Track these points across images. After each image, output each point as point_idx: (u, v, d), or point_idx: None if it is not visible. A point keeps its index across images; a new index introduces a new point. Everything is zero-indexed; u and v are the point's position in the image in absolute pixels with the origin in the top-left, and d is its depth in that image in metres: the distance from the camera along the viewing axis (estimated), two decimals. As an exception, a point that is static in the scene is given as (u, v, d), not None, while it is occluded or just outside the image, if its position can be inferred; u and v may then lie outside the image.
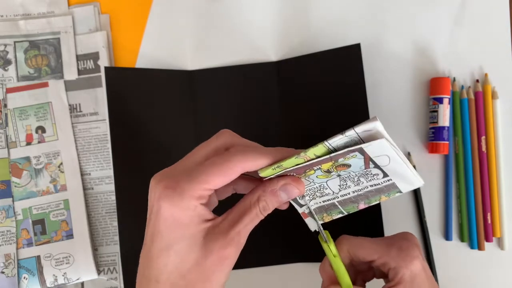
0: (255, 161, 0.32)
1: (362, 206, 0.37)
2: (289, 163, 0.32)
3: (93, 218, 0.52)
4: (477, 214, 0.50)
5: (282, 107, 0.52)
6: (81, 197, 0.52)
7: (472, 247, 0.50)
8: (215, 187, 0.32)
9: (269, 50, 0.54)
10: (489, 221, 0.50)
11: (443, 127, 0.50)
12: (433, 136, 0.51)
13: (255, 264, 0.51)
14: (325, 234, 0.37)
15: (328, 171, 0.33)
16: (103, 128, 0.53)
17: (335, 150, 0.30)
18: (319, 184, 0.35)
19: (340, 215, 0.38)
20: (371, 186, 0.35)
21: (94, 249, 0.52)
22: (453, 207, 0.51)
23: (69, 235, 0.51)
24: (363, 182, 0.34)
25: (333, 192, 0.35)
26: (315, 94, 0.52)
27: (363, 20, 0.54)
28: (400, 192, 0.35)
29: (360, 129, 0.29)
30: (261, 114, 0.52)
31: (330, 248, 0.37)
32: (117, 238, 0.52)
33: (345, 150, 0.30)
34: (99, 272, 0.51)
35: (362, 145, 0.29)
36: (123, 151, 0.51)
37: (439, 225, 0.51)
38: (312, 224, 0.37)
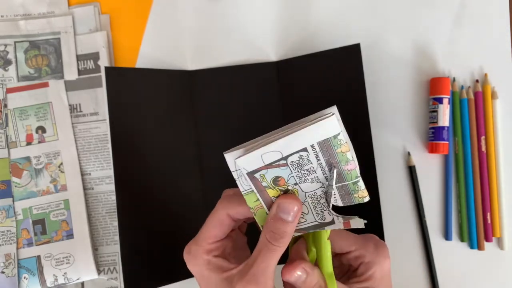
0: (236, 208, 0.35)
1: (348, 167, 0.34)
2: (261, 219, 0.35)
3: (93, 218, 0.52)
4: (477, 214, 0.50)
5: (282, 107, 0.52)
6: (81, 197, 0.52)
7: (472, 247, 0.51)
8: (216, 239, 0.36)
9: (269, 50, 0.54)
10: (489, 221, 0.50)
11: (443, 127, 0.50)
12: (433, 136, 0.51)
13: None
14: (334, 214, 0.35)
15: (287, 191, 0.34)
16: (103, 128, 0.53)
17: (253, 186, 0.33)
18: (307, 195, 0.35)
19: (359, 183, 0.35)
20: (318, 160, 0.33)
21: (94, 249, 0.52)
22: (453, 207, 0.51)
23: (69, 235, 0.51)
24: (312, 167, 0.33)
25: (320, 186, 0.35)
26: (315, 94, 0.52)
27: (363, 20, 0.54)
28: (335, 134, 0.33)
29: (232, 168, 0.32)
30: (261, 114, 0.52)
31: (326, 230, 0.36)
32: (117, 238, 0.52)
33: (249, 182, 0.33)
34: (99, 272, 0.51)
35: (241, 172, 0.32)
36: (123, 151, 0.51)
37: (439, 225, 0.51)
38: (358, 222, 0.35)
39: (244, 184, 0.33)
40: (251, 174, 0.32)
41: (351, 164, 0.34)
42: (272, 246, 0.33)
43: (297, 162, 0.33)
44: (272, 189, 0.33)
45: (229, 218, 0.35)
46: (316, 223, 0.36)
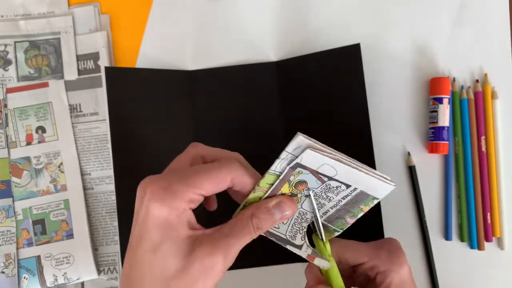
0: (244, 177, 0.33)
1: (349, 220, 0.37)
2: (252, 199, 0.34)
3: (93, 218, 0.52)
4: (477, 214, 0.50)
5: (282, 107, 0.52)
6: (81, 197, 0.52)
7: (472, 247, 0.51)
8: (206, 193, 0.32)
9: (269, 50, 0.54)
10: (489, 221, 0.50)
11: (443, 127, 0.50)
12: (433, 136, 0.51)
13: (255, 264, 0.51)
14: (323, 233, 0.37)
15: (293, 195, 0.34)
16: (103, 128, 0.53)
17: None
18: (297, 212, 0.36)
19: (337, 233, 0.38)
20: (343, 198, 0.35)
21: (94, 249, 0.52)
22: (453, 207, 0.51)
23: (69, 235, 0.51)
24: (333, 197, 0.35)
25: (313, 213, 0.36)
26: (315, 94, 0.52)
27: (363, 20, 0.54)
28: (377, 198, 0.35)
29: (290, 149, 0.31)
30: (261, 114, 0.53)
31: (326, 247, 0.36)
32: (117, 238, 0.52)
33: (287, 169, 0.32)
34: (99, 272, 0.51)
35: (296, 160, 0.32)
36: (123, 151, 0.51)
37: (439, 225, 0.51)
38: (323, 263, 0.36)
39: (279, 166, 0.32)
40: (297, 166, 0.32)
41: (353, 220, 0.37)
42: (252, 231, 0.33)
43: (331, 186, 0.34)
44: (289, 186, 0.34)
45: (229, 181, 0.33)
46: (283, 237, 0.36)
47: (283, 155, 0.32)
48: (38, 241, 0.51)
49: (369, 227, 0.50)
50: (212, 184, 0.32)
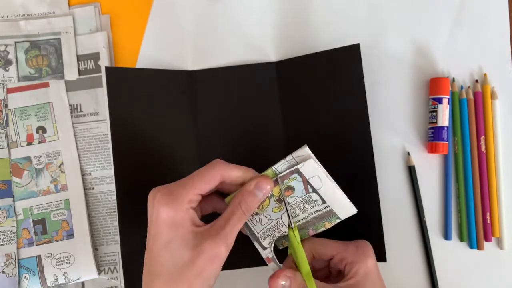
0: (231, 171, 0.39)
1: (311, 232, 0.43)
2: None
3: (94, 218, 0.52)
4: (477, 214, 0.50)
5: (282, 107, 0.52)
6: (81, 197, 0.52)
7: (471, 247, 0.51)
8: (202, 192, 0.38)
9: (269, 50, 0.54)
10: (488, 221, 0.50)
11: (443, 127, 0.50)
12: (433, 136, 0.51)
13: (254, 264, 0.51)
14: (293, 222, 0.41)
15: (279, 200, 0.40)
16: (104, 128, 0.53)
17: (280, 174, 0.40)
18: (276, 221, 0.41)
19: (289, 239, 0.42)
20: (315, 212, 0.42)
21: (95, 248, 0.52)
22: (452, 207, 0.51)
23: (70, 235, 0.51)
24: (308, 209, 0.41)
25: (287, 225, 0.41)
26: (314, 94, 0.52)
27: (363, 20, 0.54)
28: (339, 218, 0.42)
29: (296, 154, 0.39)
30: (261, 114, 0.53)
31: (295, 234, 0.41)
32: (117, 237, 0.52)
33: (287, 171, 0.39)
34: (99, 271, 0.51)
35: (297, 166, 0.39)
36: (123, 151, 0.51)
37: (438, 225, 0.51)
38: (274, 267, 0.41)
39: (280, 167, 0.40)
40: (295, 172, 0.39)
41: (314, 233, 0.43)
42: (243, 215, 0.38)
43: (311, 199, 0.41)
44: (279, 189, 0.40)
45: (219, 178, 0.38)
46: (256, 234, 0.42)
47: (288, 157, 0.39)
48: (39, 241, 0.51)
49: (369, 227, 0.50)
50: (205, 183, 0.38)
